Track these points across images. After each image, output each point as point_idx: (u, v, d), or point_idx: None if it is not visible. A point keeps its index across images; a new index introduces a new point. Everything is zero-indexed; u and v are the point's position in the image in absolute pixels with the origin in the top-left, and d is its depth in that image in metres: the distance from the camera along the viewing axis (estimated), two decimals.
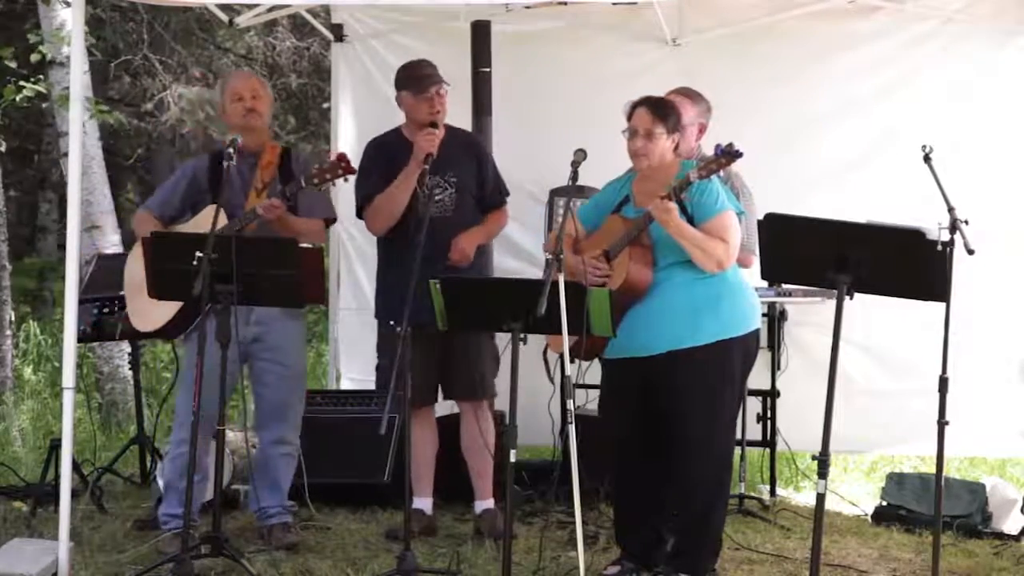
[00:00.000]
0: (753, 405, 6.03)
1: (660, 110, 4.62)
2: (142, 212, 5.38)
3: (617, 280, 4.54)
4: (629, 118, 4.65)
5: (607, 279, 4.57)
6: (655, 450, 4.64)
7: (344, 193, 6.03)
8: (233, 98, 5.22)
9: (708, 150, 4.77)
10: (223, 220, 4.77)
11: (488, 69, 6.11)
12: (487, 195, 5.46)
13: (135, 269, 5.08)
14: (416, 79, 5.29)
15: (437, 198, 5.27)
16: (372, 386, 5.99)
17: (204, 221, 4.89)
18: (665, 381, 4.55)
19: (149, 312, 5.09)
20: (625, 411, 4.70)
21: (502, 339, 5.32)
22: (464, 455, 5.48)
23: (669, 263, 4.53)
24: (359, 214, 5.42)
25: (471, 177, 5.40)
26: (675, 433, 4.57)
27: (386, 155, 5.34)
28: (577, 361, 5.00)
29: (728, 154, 4.36)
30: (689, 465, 4.57)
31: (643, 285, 4.54)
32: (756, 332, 4.67)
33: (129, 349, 6.73)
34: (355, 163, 5.07)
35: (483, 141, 5.75)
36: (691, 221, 4.49)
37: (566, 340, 4.25)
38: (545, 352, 5.04)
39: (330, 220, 5.43)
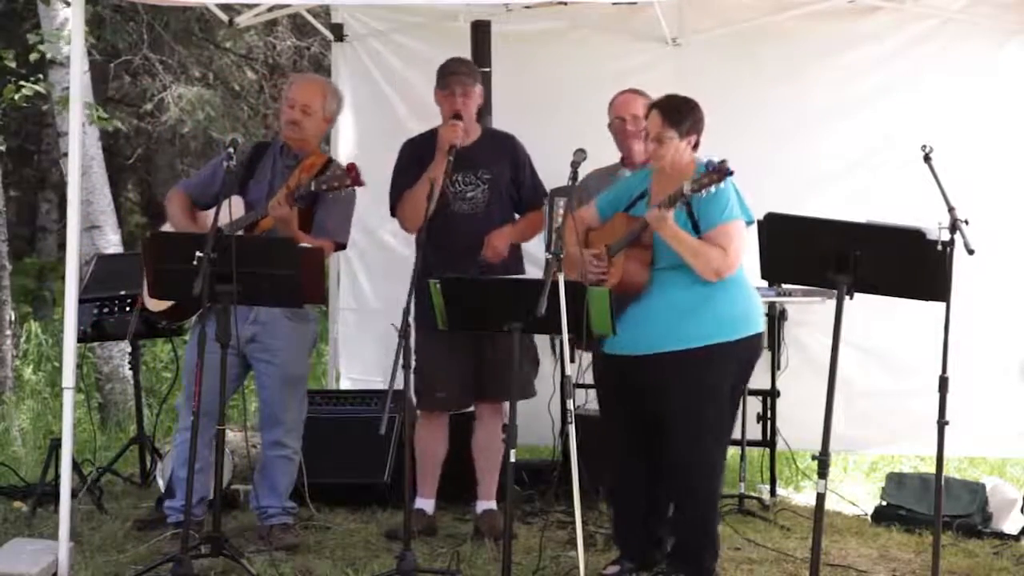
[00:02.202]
0: (753, 405, 6.03)
1: (673, 114, 4.55)
2: (178, 191, 5.38)
3: (614, 279, 4.54)
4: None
5: (604, 277, 4.57)
6: (649, 449, 4.64)
7: None
8: (286, 103, 5.26)
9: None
10: (242, 211, 4.88)
11: (488, 69, 6.10)
12: (524, 197, 5.47)
13: None
14: (443, 76, 5.33)
15: (469, 195, 5.30)
16: (372, 386, 5.99)
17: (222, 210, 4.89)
18: (649, 382, 4.55)
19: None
20: (619, 408, 4.70)
21: (539, 341, 5.32)
22: (475, 454, 5.47)
23: (667, 265, 4.52)
24: (393, 212, 5.43)
25: (505, 178, 5.40)
26: (663, 435, 4.57)
27: (418, 153, 5.34)
28: (577, 361, 5.02)
29: (718, 171, 4.29)
30: (678, 468, 4.56)
31: (639, 285, 4.53)
32: (754, 337, 4.59)
33: (129, 349, 6.73)
34: (361, 169, 5.04)
35: (521, 143, 5.68)
36: (696, 226, 4.48)
37: (566, 340, 4.26)
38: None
39: (339, 244, 5.32)
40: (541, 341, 5.54)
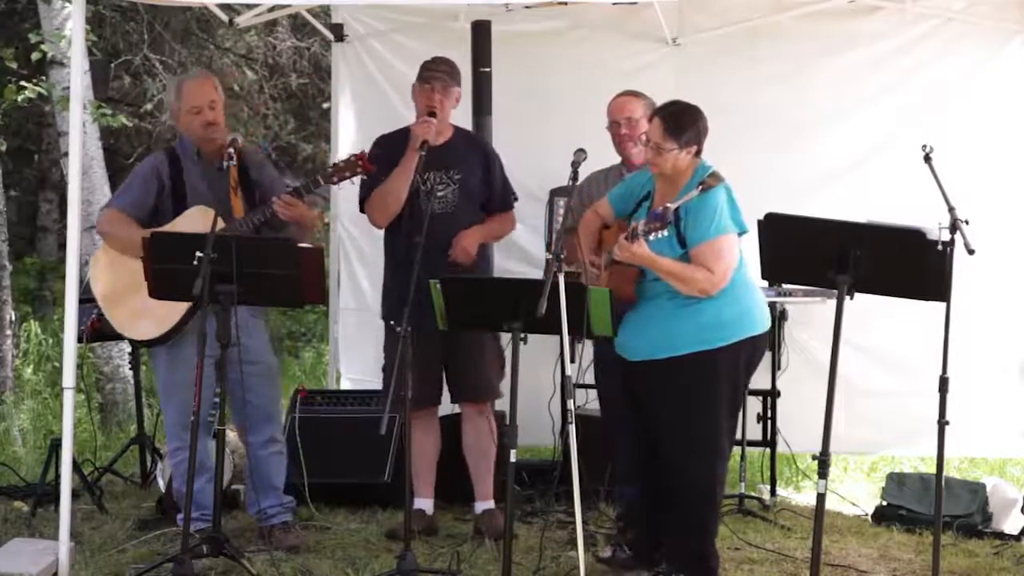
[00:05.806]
0: (753, 405, 6.02)
1: (674, 125, 4.44)
2: (114, 212, 5.13)
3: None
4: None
5: (597, 283, 4.56)
6: (650, 449, 4.63)
7: (345, 192, 6.03)
8: (192, 111, 5.12)
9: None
10: (219, 223, 4.80)
11: (488, 69, 6.10)
12: (494, 198, 5.47)
13: (109, 276, 5.04)
14: (424, 71, 5.34)
15: (440, 194, 5.29)
16: (372, 386, 5.99)
17: (189, 223, 4.91)
18: (642, 388, 4.53)
19: (133, 323, 5.05)
20: (620, 409, 4.69)
21: (506, 340, 5.32)
22: (465, 456, 5.48)
23: (653, 276, 4.44)
24: (361, 208, 5.43)
25: (476, 178, 5.39)
26: (655, 439, 4.55)
27: (390, 150, 5.34)
28: (577, 361, 5.01)
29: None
30: (670, 470, 4.53)
31: (625, 299, 4.49)
32: (747, 341, 4.46)
33: (129, 349, 6.73)
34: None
35: (491, 145, 5.73)
36: (684, 241, 4.40)
37: (566, 340, 4.25)
38: None
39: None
40: (542, 341, 5.52)
